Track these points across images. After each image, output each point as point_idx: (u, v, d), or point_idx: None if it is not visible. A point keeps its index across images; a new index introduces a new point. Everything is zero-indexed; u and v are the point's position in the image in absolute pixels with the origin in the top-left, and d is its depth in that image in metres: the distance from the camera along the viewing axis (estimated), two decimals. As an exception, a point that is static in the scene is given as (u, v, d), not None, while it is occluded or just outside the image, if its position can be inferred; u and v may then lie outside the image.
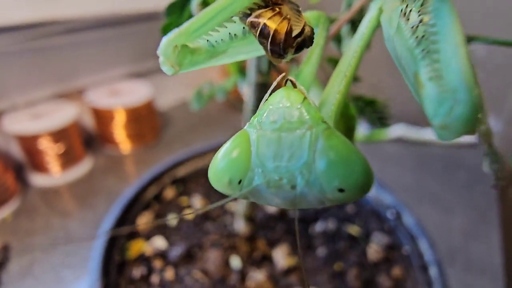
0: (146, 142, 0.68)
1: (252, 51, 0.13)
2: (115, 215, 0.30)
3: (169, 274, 0.27)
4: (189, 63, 0.12)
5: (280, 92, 0.12)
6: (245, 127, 0.12)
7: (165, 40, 0.11)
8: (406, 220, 0.33)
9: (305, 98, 0.11)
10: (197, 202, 0.34)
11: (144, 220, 0.32)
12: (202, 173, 0.38)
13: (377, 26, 0.15)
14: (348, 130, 0.21)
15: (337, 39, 0.20)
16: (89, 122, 0.67)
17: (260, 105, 0.12)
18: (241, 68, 0.27)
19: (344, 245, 0.32)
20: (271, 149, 0.11)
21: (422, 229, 0.31)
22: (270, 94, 0.12)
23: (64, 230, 0.49)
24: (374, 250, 0.31)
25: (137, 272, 0.27)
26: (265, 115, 0.11)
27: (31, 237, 0.48)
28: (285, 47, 0.11)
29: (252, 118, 0.12)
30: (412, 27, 0.12)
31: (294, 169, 0.10)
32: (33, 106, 0.57)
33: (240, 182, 0.11)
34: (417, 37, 0.11)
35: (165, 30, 0.19)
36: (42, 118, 0.55)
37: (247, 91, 0.24)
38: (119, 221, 0.30)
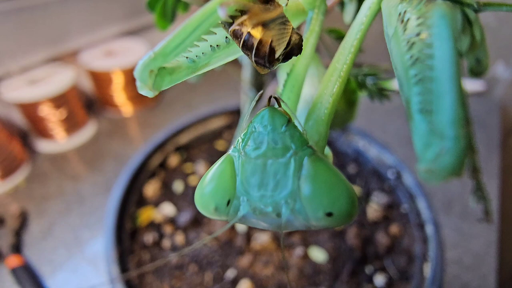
0: (147, 104, 0.67)
1: (238, 54, 0.12)
2: (123, 184, 0.31)
3: (179, 238, 0.29)
4: (168, 82, 0.11)
5: (263, 114, 0.11)
6: (229, 151, 0.12)
7: (139, 65, 0.10)
8: (406, 179, 0.33)
9: (289, 120, 0.11)
10: (201, 168, 0.35)
11: (151, 188, 0.33)
12: (204, 139, 0.38)
13: (378, 11, 0.14)
14: (349, 105, 0.20)
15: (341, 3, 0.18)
16: (87, 85, 0.65)
17: (243, 125, 0.11)
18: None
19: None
20: (255, 177, 0.10)
21: (421, 188, 0.32)
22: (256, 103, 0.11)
23: (77, 194, 0.52)
24: (373, 209, 0.32)
25: (149, 238, 0.29)
26: (250, 139, 0.11)
27: (47, 201, 0.50)
28: (270, 60, 0.10)
29: (236, 142, 0.11)
30: (408, 41, 0.11)
31: (279, 199, 0.10)
32: (28, 71, 0.56)
33: (226, 206, 0.11)
34: (411, 56, 0.11)
35: (150, 5, 0.17)
36: (40, 84, 0.54)
37: (245, 60, 0.23)
38: (127, 190, 0.31)
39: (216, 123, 0.39)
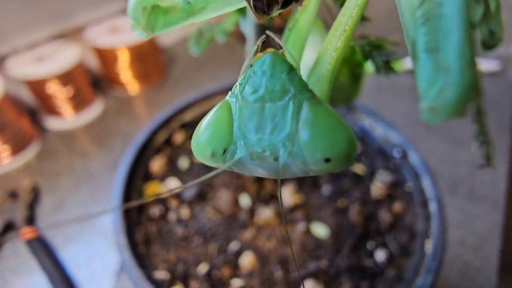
0: (152, 82, 0.67)
1: (237, 3, 0.12)
2: (129, 160, 0.32)
3: (185, 212, 0.30)
4: (163, 24, 0.11)
5: (264, 58, 0.10)
6: (226, 97, 0.11)
7: (132, 2, 0.10)
8: (411, 158, 0.33)
9: (291, 68, 0.10)
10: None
11: (157, 164, 0.34)
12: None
13: None
14: (354, 78, 0.20)
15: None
16: (93, 63, 0.65)
17: (242, 70, 0.11)
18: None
19: (348, 183, 0.33)
20: (253, 121, 0.10)
21: (426, 167, 0.32)
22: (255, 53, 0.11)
23: (86, 170, 0.53)
24: (377, 187, 0.33)
25: (155, 211, 0.30)
26: (248, 83, 0.11)
27: (57, 177, 0.52)
28: (269, 3, 0.10)
29: (234, 87, 0.11)
30: None
31: (277, 142, 0.10)
32: (34, 48, 0.56)
33: (223, 153, 0.11)
34: None
35: None
36: (46, 61, 0.54)
37: (248, 33, 0.23)
38: (133, 165, 0.31)
39: (221, 100, 0.39)
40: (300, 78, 0.10)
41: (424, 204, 0.30)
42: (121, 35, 0.60)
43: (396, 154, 0.35)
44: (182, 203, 0.30)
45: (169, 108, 0.35)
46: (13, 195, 0.48)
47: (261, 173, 0.11)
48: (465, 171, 0.57)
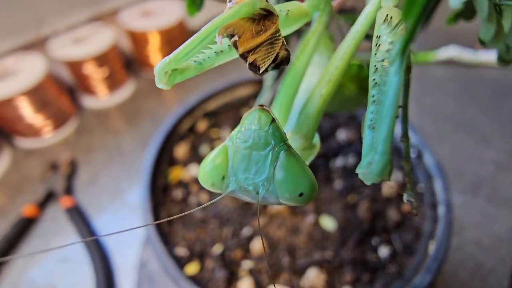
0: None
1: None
2: (156, 145, 0.35)
3: (204, 197, 0.33)
4: (179, 79, 0.14)
5: (252, 114, 0.13)
6: (225, 142, 0.14)
7: (157, 68, 0.13)
8: (426, 159, 0.34)
9: (273, 120, 0.13)
10: (227, 134, 0.38)
11: (181, 150, 0.36)
12: (230, 107, 0.40)
13: (373, 23, 0.15)
14: (362, 90, 0.21)
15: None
16: (126, 45, 0.69)
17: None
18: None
19: (360, 179, 0.35)
20: (242, 164, 0.13)
21: (440, 170, 0.32)
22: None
23: (118, 147, 0.57)
24: (389, 186, 0.34)
25: (178, 193, 0.33)
26: (240, 134, 0.14)
27: (92, 152, 0.57)
28: (260, 71, 0.13)
29: (231, 134, 0.14)
30: (376, 64, 0.13)
31: (258, 182, 0.13)
32: (72, 30, 0.59)
33: (221, 184, 0.14)
34: (374, 79, 0.13)
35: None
36: (84, 42, 0.58)
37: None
38: (160, 150, 0.34)
39: (243, 92, 0.41)
40: (280, 133, 0.13)
41: (434, 206, 0.31)
42: (152, 19, 0.62)
43: (411, 154, 0.35)
44: (201, 188, 0.33)
45: (194, 97, 0.38)
46: (54, 167, 0.53)
47: (247, 199, 0.15)
48: (489, 171, 0.56)
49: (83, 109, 0.63)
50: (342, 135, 0.39)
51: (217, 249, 0.29)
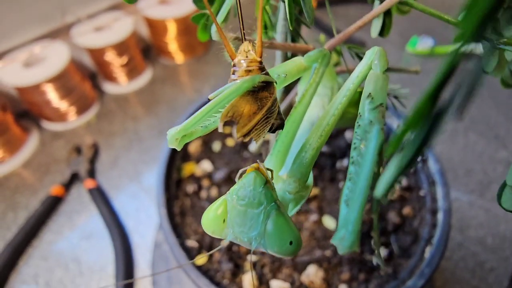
0: (196, 54, 0.70)
1: None
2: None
3: (214, 192, 0.34)
4: (188, 139, 0.16)
5: (249, 175, 0.15)
6: (226, 196, 0.16)
7: (169, 135, 0.15)
8: (431, 165, 0.34)
9: (267, 181, 0.15)
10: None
11: (194, 146, 0.38)
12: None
13: (363, 79, 0.16)
14: None
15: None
16: (145, 33, 0.69)
17: (237, 179, 0.16)
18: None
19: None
20: (238, 219, 0.15)
21: (443, 177, 0.32)
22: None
23: (136, 133, 0.60)
24: (392, 190, 0.34)
25: (190, 188, 0.35)
26: (238, 192, 0.15)
27: (113, 137, 0.59)
28: (256, 140, 0.15)
29: (231, 189, 0.16)
30: (355, 143, 0.15)
31: (251, 236, 0.15)
32: (94, 19, 0.60)
33: (220, 232, 0.16)
34: (352, 156, 0.15)
35: (195, 19, 0.19)
36: (105, 30, 0.59)
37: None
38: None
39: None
40: (271, 193, 0.15)
41: (434, 212, 0.32)
42: (170, 7, 0.62)
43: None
44: (212, 184, 0.35)
45: (206, 95, 0.38)
46: (78, 150, 0.56)
47: (242, 245, 0.17)
48: (499, 171, 0.55)
49: (104, 95, 0.65)
50: (351, 135, 0.39)
51: (224, 242, 0.31)
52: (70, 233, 0.48)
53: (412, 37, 0.72)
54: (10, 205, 0.50)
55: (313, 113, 0.21)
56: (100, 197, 0.50)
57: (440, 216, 0.30)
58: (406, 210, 0.33)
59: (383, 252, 0.31)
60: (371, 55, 0.16)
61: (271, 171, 0.16)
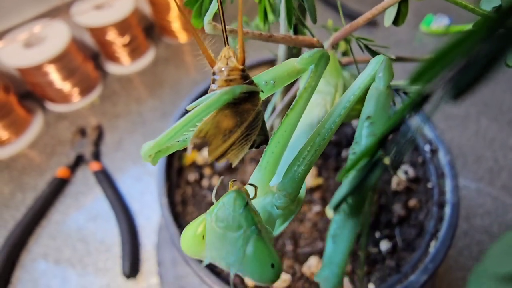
0: (201, 32, 0.67)
1: None
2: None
3: (216, 180, 0.34)
4: (163, 154, 0.15)
5: (229, 196, 0.14)
6: (205, 214, 0.15)
7: (142, 151, 0.14)
8: (440, 156, 0.32)
9: (247, 203, 0.14)
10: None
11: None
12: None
13: (364, 95, 0.15)
14: None
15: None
16: (147, 11, 0.66)
17: (213, 199, 0.15)
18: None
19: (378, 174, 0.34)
20: (217, 243, 0.14)
21: (453, 169, 0.31)
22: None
23: (140, 115, 0.59)
24: (399, 179, 0.33)
25: (192, 176, 0.34)
26: (217, 213, 0.14)
27: (116, 119, 0.58)
28: (233, 164, 0.14)
29: (211, 208, 0.15)
30: None
31: (229, 262, 0.14)
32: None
33: (198, 252, 0.15)
34: None
35: (188, 3, 0.18)
36: (105, 9, 0.56)
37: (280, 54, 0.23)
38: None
39: (258, 73, 0.39)
40: (252, 216, 0.14)
41: (441, 205, 0.30)
42: (172, -18, 0.59)
43: (427, 149, 0.34)
44: (214, 173, 0.34)
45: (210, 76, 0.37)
46: (82, 131, 0.55)
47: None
48: (509, 158, 0.53)
49: (107, 76, 0.64)
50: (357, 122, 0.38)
51: (204, 264, 0.31)
52: (77, 214, 0.48)
53: (427, 16, 0.67)
54: (18, 186, 0.51)
55: (314, 113, 0.19)
56: (105, 179, 0.50)
57: (447, 209, 0.29)
58: (412, 202, 0.32)
59: (387, 245, 0.30)
60: (376, 65, 0.15)
61: (255, 187, 0.16)
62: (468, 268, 0.46)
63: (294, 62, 0.16)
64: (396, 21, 0.16)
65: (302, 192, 0.17)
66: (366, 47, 0.18)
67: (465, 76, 0.07)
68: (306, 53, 0.15)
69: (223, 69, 0.13)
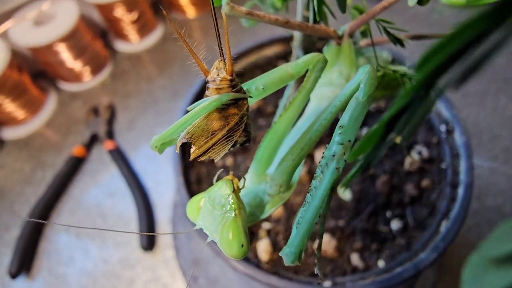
0: (209, 7, 0.65)
1: None
2: (184, 110, 0.35)
3: (229, 160, 0.34)
4: (168, 146, 0.17)
5: (221, 183, 0.17)
6: (204, 192, 0.18)
7: (151, 143, 0.17)
8: (456, 137, 0.32)
9: (234, 190, 0.17)
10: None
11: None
12: (257, 66, 0.39)
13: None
14: (393, 88, 0.20)
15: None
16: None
17: (214, 180, 0.18)
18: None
19: (384, 153, 0.34)
20: (205, 214, 0.17)
21: (468, 150, 0.31)
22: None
23: (151, 94, 0.59)
24: (412, 160, 0.33)
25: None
26: (210, 193, 0.17)
27: (128, 98, 0.59)
28: (215, 160, 0.16)
29: (209, 188, 0.17)
30: (316, 172, 0.17)
31: (210, 230, 0.17)
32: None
33: (196, 217, 0.18)
34: (312, 185, 0.17)
35: None
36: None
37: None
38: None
39: (270, 51, 0.38)
40: (234, 201, 0.17)
41: (454, 186, 0.30)
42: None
43: (442, 129, 0.33)
44: (228, 153, 0.35)
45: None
46: (95, 111, 0.56)
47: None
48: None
49: (116, 54, 0.63)
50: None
51: (196, 228, 0.32)
52: (95, 191, 0.50)
53: (449, -15, 0.64)
54: (37, 164, 0.53)
55: (322, 104, 0.20)
56: (120, 158, 0.51)
57: (460, 190, 0.29)
58: (425, 182, 0.32)
59: (398, 224, 0.31)
60: (361, 75, 0.16)
61: (245, 179, 0.18)
62: (477, 246, 0.46)
63: (288, 67, 0.17)
64: (421, 1, 0.15)
65: (294, 181, 0.19)
66: (385, 30, 0.17)
67: (468, 62, 0.07)
68: (301, 59, 0.17)
69: (214, 79, 0.15)
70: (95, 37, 0.58)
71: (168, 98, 0.58)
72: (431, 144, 0.34)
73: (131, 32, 0.60)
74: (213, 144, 0.15)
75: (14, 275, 0.41)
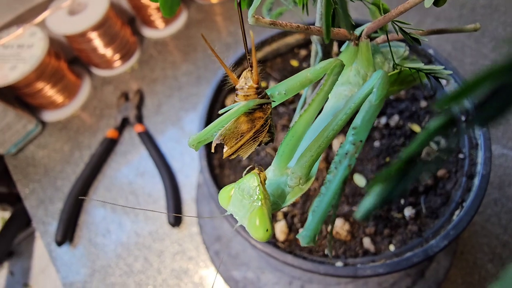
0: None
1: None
2: (209, 97, 0.37)
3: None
4: (203, 143, 0.19)
5: (250, 175, 0.19)
6: (235, 183, 0.20)
7: (189, 142, 0.19)
8: (475, 127, 0.31)
9: (261, 182, 0.19)
10: (273, 84, 0.38)
11: (230, 100, 0.38)
12: (278, 54, 0.39)
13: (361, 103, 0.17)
14: (408, 83, 0.20)
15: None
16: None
17: (244, 174, 0.20)
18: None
19: (401, 141, 0.34)
20: (235, 202, 0.19)
21: (487, 141, 0.30)
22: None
23: (176, 80, 0.61)
24: (429, 149, 0.33)
25: (227, 142, 0.36)
26: (240, 184, 0.19)
27: (154, 83, 0.61)
28: (243, 158, 0.18)
29: (239, 180, 0.19)
30: (332, 165, 0.18)
31: (239, 216, 0.19)
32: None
33: (227, 206, 0.20)
34: (325, 178, 0.18)
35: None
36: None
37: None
38: (212, 101, 0.37)
39: (291, 39, 0.38)
40: (261, 192, 0.19)
41: (471, 176, 0.30)
42: None
43: (462, 117, 0.33)
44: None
45: (237, 45, 0.37)
46: (125, 96, 0.59)
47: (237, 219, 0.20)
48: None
49: (143, 40, 0.65)
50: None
51: (227, 214, 0.34)
52: (127, 170, 0.54)
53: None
54: (75, 145, 0.57)
55: (339, 103, 0.21)
56: (149, 140, 0.54)
57: (476, 180, 0.29)
58: (441, 172, 0.32)
59: (411, 211, 0.32)
60: (375, 79, 0.17)
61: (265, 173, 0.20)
62: (495, 235, 0.46)
63: (307, 73, 0.18)
64: (437, 2, 0.15)
65: (313, 174, 0.21)
66: (401, 29, 0.17)
67: (496, 102, 0.08)
68: (319, 65, 0.18)
69: (242, 87, 0.17)
70: (124, 24, 0.60)
71: (192, 83, 0.60)
72: (450, 135, 0.34)
73: (156, 17, 0.61)
74: (242, 145, 0.17)
75: (59, 243, 0.47)
